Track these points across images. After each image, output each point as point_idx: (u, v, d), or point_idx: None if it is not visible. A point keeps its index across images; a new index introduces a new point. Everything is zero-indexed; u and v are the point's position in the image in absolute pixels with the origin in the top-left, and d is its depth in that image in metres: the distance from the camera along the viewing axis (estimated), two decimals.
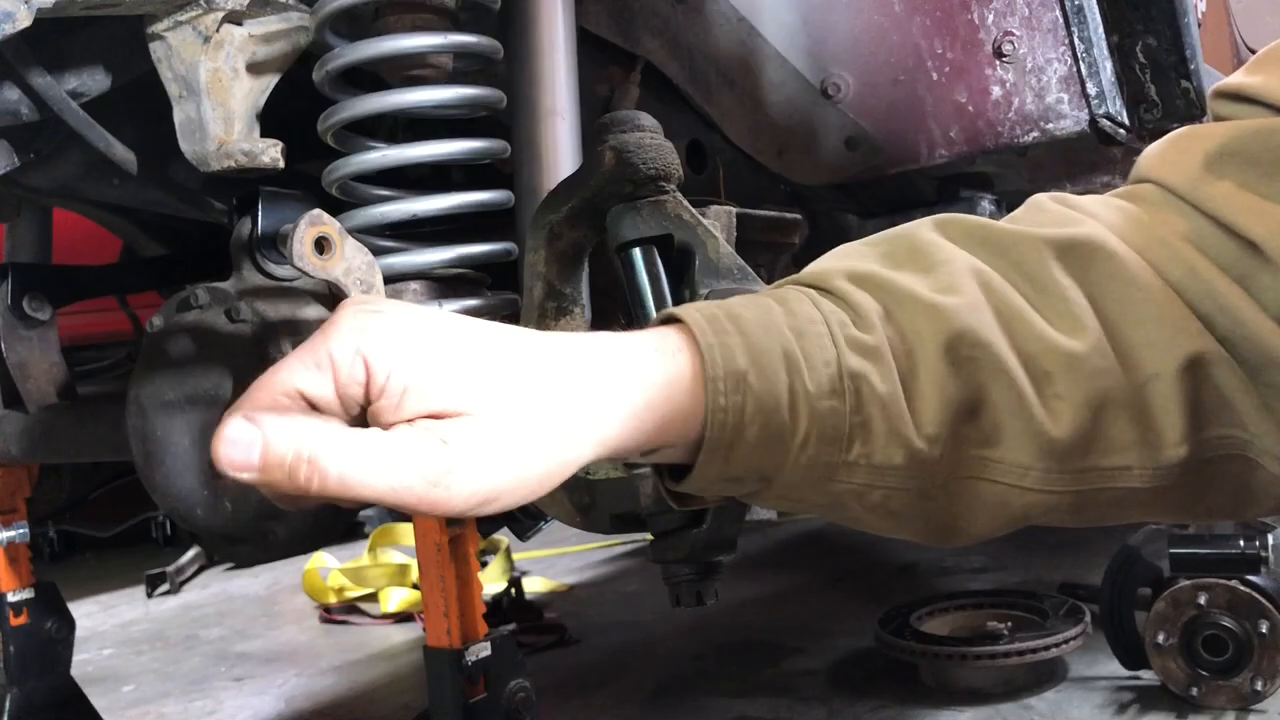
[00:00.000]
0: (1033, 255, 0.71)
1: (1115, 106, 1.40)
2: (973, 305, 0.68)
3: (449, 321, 0.59)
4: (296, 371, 0.54)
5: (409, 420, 0.54)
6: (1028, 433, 0.67)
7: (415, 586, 3.20)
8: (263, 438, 0.51)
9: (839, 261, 0.72)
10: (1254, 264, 0.70)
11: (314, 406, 0.54)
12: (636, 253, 0.89)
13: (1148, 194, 0.76)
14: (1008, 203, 1.67)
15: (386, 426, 0.54)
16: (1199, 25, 1.47)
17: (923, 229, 0.73)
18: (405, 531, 3.52)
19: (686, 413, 0.63)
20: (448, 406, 0.55)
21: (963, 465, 0.68)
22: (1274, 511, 0.76)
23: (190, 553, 4.19)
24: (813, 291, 0.69)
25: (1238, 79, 0.76)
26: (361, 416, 0.56)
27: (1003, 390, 0.67)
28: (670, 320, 0.67)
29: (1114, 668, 2.13)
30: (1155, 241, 0.72)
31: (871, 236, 0.75)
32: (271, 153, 1.07)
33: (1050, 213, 0.75)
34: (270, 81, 1.10)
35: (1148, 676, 2.09)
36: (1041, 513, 0.70)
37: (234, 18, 1.02)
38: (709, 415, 0.63)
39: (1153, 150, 0.79)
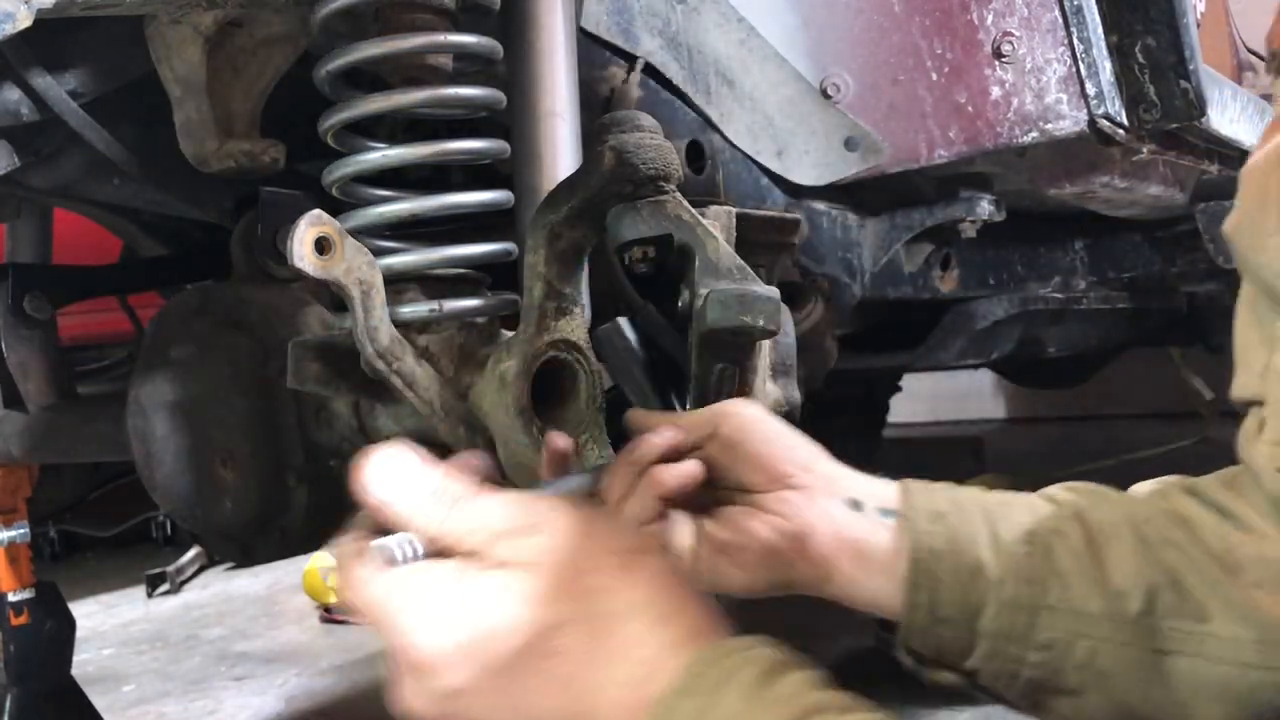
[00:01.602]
0: (1197, 486, 0.78)
1: (1114, 107, 1.40)
2: (1160, 510, 0.75)
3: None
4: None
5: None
6: (1229, 611, 0.70)
7: None
8: None
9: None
10: None
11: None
12: (625, 327, 0.91)
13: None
14: (1007, 203, 1.67)
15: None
16: (1198, 25, 1.47)
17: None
18: None
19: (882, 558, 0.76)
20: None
21: (1166, 636, 0.71)
22: None
23: (190, 553, 4.18)
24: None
25: None
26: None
27: (1198, 575, 0.71)
28: None
29: None
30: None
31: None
32: (271, 153, 1.07)
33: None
34: (270, 81, 1.09)
35: None
36: (1272, 694, 0.70)
37: (234, 18, 1.02)
38: (913, 543, 0.74)
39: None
